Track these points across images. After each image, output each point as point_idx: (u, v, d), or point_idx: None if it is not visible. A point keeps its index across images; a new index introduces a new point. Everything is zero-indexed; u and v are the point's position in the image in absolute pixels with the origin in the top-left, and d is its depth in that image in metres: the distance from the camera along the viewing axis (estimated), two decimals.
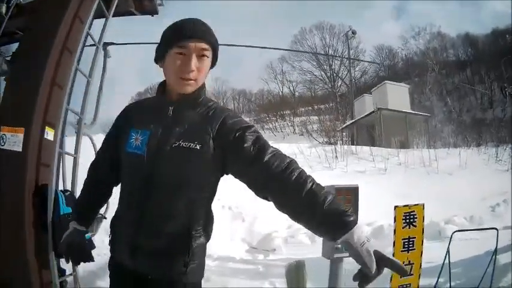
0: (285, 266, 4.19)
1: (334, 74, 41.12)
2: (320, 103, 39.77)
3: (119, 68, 44.17)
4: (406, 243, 3.85)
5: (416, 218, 3.91)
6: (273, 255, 8.05)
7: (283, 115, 39.52)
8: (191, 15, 1.71)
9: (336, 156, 16.23)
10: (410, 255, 3.82)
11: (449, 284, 3.88)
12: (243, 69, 66.47)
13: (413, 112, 25.43)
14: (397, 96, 24.04)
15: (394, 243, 3.71)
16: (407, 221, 3.88)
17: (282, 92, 44.41)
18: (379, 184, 12.57)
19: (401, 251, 3.77)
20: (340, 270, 3.57)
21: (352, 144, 22.63)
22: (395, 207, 3.81)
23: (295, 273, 4.05)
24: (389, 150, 17.61)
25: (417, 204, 3.94)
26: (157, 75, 1.83)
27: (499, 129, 24.35)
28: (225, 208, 9.60)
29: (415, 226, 3.86)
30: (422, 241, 3.84)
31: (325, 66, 41.29)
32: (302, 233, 8.91)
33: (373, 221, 9.01)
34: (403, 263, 3.67)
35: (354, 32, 34.53)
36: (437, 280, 3.94)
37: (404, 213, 3.86)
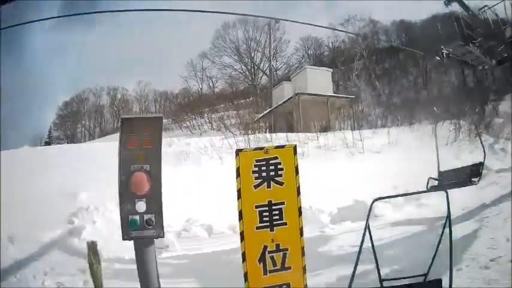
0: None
1: (255, 67, 39.92)
2: (241, 98, 38.70)
3: None
4: (266, 212, 2.84)
5: (282, 169, 2.87)
6: (165, 252, 7.72)
7: (202, 112, 37.36)
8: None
9: (249, 146, 15.15)
10: (277, 234, 2.85)
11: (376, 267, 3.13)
12: (166, 69, 63.57)
13: (335, 95, 24.27)
14: (318, 80, 22.77)
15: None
16: (265, 173, 2.86)
17: (201, 89, 42.96)
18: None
19: (258, 227, 2.84)
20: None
21: (271, 132, 21.39)
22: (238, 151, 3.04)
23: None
24: (308, 135, 17.24)
25: (283, 146, 3.03)
26: None
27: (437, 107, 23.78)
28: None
29: (280, 184, 2.85)
30: (300, 210, 2.93)
31: (246, 59, 40.12)
32: (197, 225, 9.27)
33: None
34: (262, 250, 2.90)
35: (276, 21, 33.32)
36: (356, 265, 2.97)
37: (258, 160, 2.90)
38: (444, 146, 16.26)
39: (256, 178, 2.85)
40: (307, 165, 12.74)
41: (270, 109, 26.35)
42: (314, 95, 21.81)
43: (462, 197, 9.17)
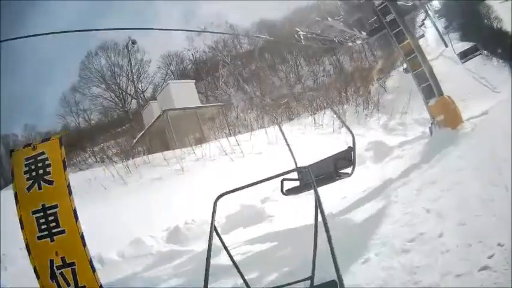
0: None
1: (123, 93, 39.12)
2: (117, 126, 37.72)
3: None
4: (42, 219, 2.51)
5: (49, 166, 2.62)
6: None
7: (84, 147, 35.87)
8: None
9: (130, 171, 15.28)
10: (58, 245, 2.53)
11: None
12: (46, 109, 60.61)
13: (203, 105, 24.44)
14: (183, 93, 22.81)
15: None
16: (35, 173, 2.61)
17: (78, 123, 40.94)
18: (178, 185, 12.92)
19: (39, 237, 2.51)
20: None
21: (150, 154, 20.72)
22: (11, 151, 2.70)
23: None
24: (184, 150, 17.27)
25: (48, 139, 2.84)
26: None
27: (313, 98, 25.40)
28: None
29: (50, 183, 2.57)
30: (76, 213, 2.64)
31: (113, 86, 39.10)
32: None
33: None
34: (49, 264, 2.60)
35: (133, 42, 32.98)
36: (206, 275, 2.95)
37: (27, 158, 2.67)
38: (331, 133, 17.34)
39: (27, 179, 2.67)
40: (188, 179, 13.54)
41: (142, 132, 25.97)
42: (181, 109, 21.71)
43: (361, 179, 9.15)
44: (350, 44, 13.90)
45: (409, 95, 18.25)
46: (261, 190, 9.08)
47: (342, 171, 6.26)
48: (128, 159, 18.68)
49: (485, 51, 23.38)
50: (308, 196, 7.04)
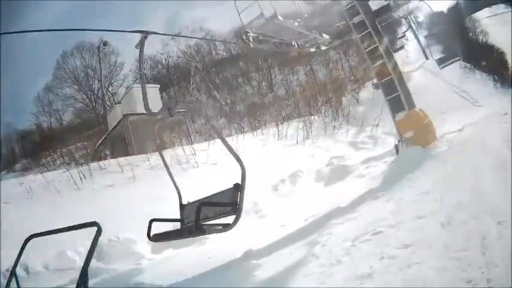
0: None
1: (95, 95, 38.84)
2: (88, 128, 37.18)
3: None
4: None
5: None
6: None
7: (55, 147, 35.33)
8: None
9: (84, 177, 14.67)
10: None
11: None
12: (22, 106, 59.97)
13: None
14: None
15: None
16: None
17: (50, 123, 41.11)
18: (127, 194, 12.54)
19: None
20: None
21: (113, 158, 20.35)
22: None
23: None
24: (142, 157, 16.73)
25: None
26: None
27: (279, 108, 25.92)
28: None
29: None
30: None
31: (85, 88, 38.95)
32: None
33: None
34: None
35: (105, 44, 32.69)
36: None
37: None
38: (293, 145, 17.17)
39: None
40: (136, 189, 13.32)
41: (104, 136, 25.58)
42: (142, 114, 20.02)
43: (311, 201, 9.18)
44: (313, 49, 12.90)
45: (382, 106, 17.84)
46: None
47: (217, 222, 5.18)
48: (91, 163, 18.02)
49: (468, 64, 23.10)
50: None
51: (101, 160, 21.20)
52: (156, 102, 22.46)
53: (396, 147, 11.03)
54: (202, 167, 14.84)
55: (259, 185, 10.72)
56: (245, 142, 17.22)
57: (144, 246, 9.11)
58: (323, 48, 13.36)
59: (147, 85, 24.99)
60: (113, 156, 22.54)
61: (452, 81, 21.67)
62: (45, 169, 31.55)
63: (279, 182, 11.98)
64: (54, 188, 13.59)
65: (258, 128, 22.04)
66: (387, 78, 10.96)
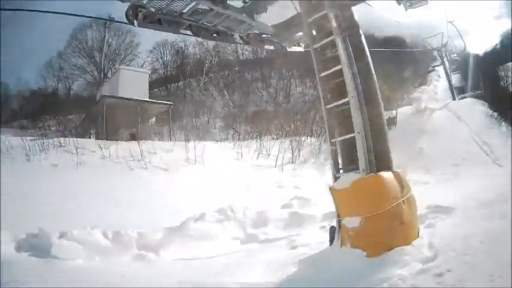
0: None
1: (103, 71, 37.79)
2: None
3: None
4: None
5: None
6: None
7: (57, 114, 34.76)
8: None
9: (43, 150, 14.63)
10: None
11: None
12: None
13: (148, 100, 21.97)
14: (132, 83, 20.73)
15: None
16: None
17: (57, 89, 40.89)
18: (68, 178, 11.98)
19: None
20: None
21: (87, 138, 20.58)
22: None
23: None
24: (107, 143, 15.86)
25: None
26: None
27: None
28: None
29: None
30: None
31: (98, 62, 37.90)
32: None
33: None
34: None
35: (111, 20, 31.74)
36: None
37: None
38: (269, 167, 15.37)
39: None
40: (78, 172, 12.81)
41: (84, 115, 25.07)
42: (121, 98, 19.86)
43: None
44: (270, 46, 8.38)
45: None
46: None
47: None
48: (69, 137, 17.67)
49: (495, 114, 20.51)
50: None
51: (86, 137, 20.93)
52: (142, 89, 21.10)
53: (332, 232, 5.69)
54: (150, 170, 13.54)
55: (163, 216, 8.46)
56: (217, 152, 15.99)
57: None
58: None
59: (136, 69, 23.95)
60: (88, 135, 22.20)
61: (476, 129, 18.65)
62: (39, 132, 31.24)
63: (189, 217, 7.98)
64: (12, 154, 13.69)
65: (256, 138, 20.33)
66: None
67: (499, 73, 24.39)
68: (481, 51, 27.86)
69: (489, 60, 26.84)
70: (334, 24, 5.73)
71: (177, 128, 24.09)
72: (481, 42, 26.89)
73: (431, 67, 34.47)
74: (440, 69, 32.67)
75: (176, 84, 36.93)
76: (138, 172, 13.27)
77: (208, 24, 7.05)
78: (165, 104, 22.97)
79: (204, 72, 35.38)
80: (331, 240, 5.62)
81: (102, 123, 19.41)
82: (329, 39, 5.80)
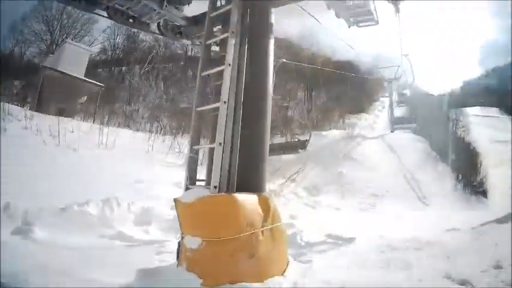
0: None
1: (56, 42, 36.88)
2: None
3: None
4: None
5: None
6: None
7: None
8: None
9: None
10: None
11: None
12: None
13: (81, 78, 21.60)
14: (72, 58, 20.70)
15: None
16: None
17: (13, 51, 37.92)
18: None
19: None
20: None
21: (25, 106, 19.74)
22: None
23: None
24: (29, 113, 15.76)
25: None
26: None
27: None
28: None
29: None
30: None
31: (53, 31, 37.12)
32: None
33: None
34: None
35: None
36: None
37: None
38: (179, 167, 14.78)
39: None
40: None
41: (23, 84, 25.71)
42: (58, 71, 19.88)
43: None
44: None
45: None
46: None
47: None
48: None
49: (434, 152, 20.47)
50: None
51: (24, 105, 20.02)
52: (81, 66, 20.78)
53: (179, 248, 5.08)
54: (62, 148, 13.40)
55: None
56: (131, 141, 16.13)
57: None
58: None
59: (80, 45, 23.40)
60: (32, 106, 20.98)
61: (408, 164, 18.69)
62: None
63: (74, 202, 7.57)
64: None
65: (175, 134, 20.72)
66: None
67: (450, 115, 24.34)
68: (436, 92, 28.55)
69: (442, 102, 26.93)
70: (234, 21, 5.27)
71: (107, 112, 23.89)
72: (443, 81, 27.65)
73: (378, 97, 35.27)
74: (386, 101, 32.15)
75: (120, 68, 36.72)
76: (49, 148, 13.01)
77: (121, 7, 6.67)
78: (96, 84, 22.63)
79: (148, 60, 35.13)
80: (178, 256, 5.05)
81: (34, 94, 19.87)
82: (222, 36, 5.48)
